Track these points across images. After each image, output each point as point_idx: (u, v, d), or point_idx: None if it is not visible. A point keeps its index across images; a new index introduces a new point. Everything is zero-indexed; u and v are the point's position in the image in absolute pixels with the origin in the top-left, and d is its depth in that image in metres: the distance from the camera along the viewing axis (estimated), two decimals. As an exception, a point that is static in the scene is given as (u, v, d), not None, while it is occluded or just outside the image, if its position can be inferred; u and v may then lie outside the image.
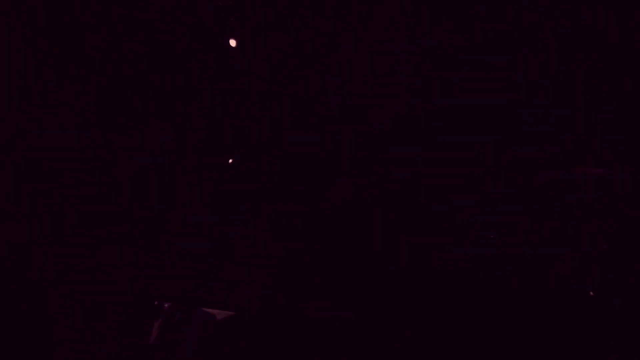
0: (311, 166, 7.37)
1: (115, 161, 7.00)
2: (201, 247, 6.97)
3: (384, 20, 7.34)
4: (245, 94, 7.40)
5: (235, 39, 7.12)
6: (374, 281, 6.66)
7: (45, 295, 6.32)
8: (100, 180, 6.93)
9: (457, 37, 7.28)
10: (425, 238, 7.02)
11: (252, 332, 6.28)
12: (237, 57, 7.19)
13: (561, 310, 6.29)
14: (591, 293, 6.34)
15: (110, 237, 6.62)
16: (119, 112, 7.19)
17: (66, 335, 6.13)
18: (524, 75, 7.00)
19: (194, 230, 7.03)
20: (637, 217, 6.49)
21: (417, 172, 7.34)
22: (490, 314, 6.42)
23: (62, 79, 7.07)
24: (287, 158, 7.44)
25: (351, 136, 7.41)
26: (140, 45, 7.12)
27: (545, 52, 6.93)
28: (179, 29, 7.10)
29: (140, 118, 7.17)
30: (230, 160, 7.35)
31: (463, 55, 7.25)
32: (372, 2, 7.28)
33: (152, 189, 6.97)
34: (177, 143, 7.25)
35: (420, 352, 6.29)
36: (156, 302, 6.20)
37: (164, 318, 6.15)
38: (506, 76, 7.20)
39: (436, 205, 7.14)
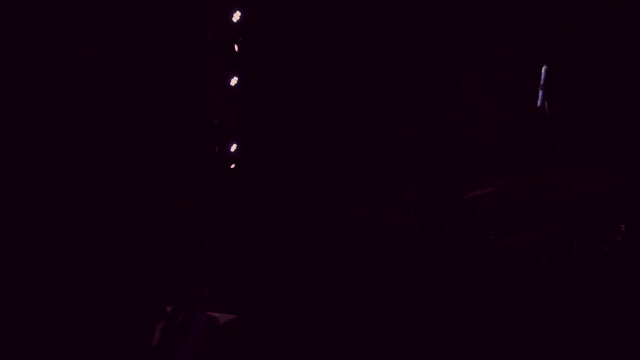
0: (311, 169, 7.37)
1: (116, 162, 6.99)
2: (203, 251, 6.97)
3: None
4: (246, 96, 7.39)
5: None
6: (374, 282, 6.67)
7: (47, 296, 6.32)
8: (102, 180, 6.92)
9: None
10: (425, 238, 7.03)
11: (254, 335, 6.29)
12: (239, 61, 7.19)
13: (561, 310, 6.29)
14: (593, 294, 6.33)
15: (113, 239, 6.61)
16: (120, 113, 7.18)
17: (68, 337, 6.13)
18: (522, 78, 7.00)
19: (196, 233, 7.02)
20: (637, 218, 6.50)
21: (416, 173, 7.34)
22: (491, 313, 6.42)
23: (61, 80, 7.06)
24: (288, 161, 7.44)
25: (350, 138, 7.42)
26: (142, 48, 7.11)
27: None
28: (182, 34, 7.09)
29: (140, 119, 7.16)
30: (233, 166, 7.36)
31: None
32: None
33: (155, 191, 6.97)
34: (178, 144, 7.24)
35: (420, 352, 6.30)
36: (159, 305, 6.20)
37: (166, 320, 6.15)
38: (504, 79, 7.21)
39: (436, 205, 7.14)
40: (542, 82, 6.53)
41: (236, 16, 7.11)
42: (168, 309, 6.19)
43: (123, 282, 6.36)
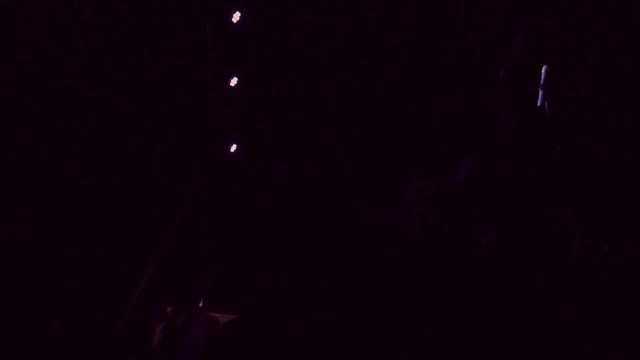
0: (312, 169, 7.37)
1: (117, 162, 7.00)
2: (204, 251, 6.97)
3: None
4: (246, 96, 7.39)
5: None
6: (375, 283, 6.68)
7: (47, 297, 6.32)
8: (103, 180, 6.93)
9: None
10: (426, 238, 7.03)
11: (254, 335, 6.30)
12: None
13: (562, 310, 6.30)
14: (594, 293, 6.34)
15: (113, 239, 6.62)
16: (120, 113, 7.19)
17: (69, 338, 6.13)
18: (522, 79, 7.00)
19: (197, 234, 7.03)
20: (637, 218, 6.50)
21: (416, 173, 7.34)
22: (490, 312, 6.43)
23: (63, 79, 7.06)
24: (288, 161, 7.44)
25: (350, 138, 7.42)
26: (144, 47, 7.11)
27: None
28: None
29: (140, 119, 7.17)
30: (232, 165, 7.36)
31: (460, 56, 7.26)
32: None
33: (156, 191, 6.97)
34: (178, 144, 7.24)
35: (420, 352, 6.31)
36: (159, 306, 6.20)
37: (166, 321, 6.16)
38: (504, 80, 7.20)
39: (436, 205, 7.14)
40: (542, 82, 6.53)
41: (236, 16, 7.11)
42: (168, 309, 6.20)
43: (124, 283, 6.37)
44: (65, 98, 7.07)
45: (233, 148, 7.43)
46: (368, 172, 7.32)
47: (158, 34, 7.12)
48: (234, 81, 7.27)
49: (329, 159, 7.42)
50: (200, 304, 6.41)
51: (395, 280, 6.70)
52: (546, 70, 6.56)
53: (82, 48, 7.06)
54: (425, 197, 7.10)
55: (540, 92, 6.55)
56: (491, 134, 7.19)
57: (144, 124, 7.19)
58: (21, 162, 6.83)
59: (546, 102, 6.47)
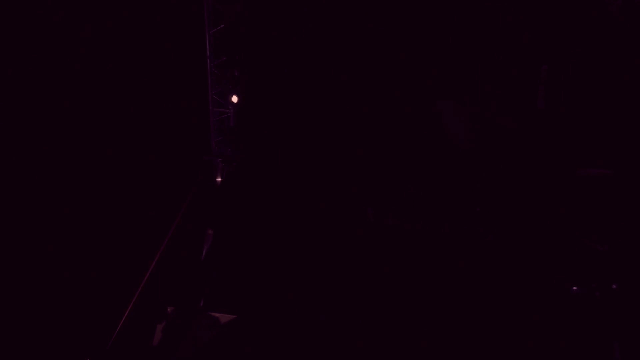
0: (310, 170, 7.36)
1: (117, 163, 7.00)
2: (204, 251, 6.96)
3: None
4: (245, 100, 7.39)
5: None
6: (376, 283, 6.67)
7: (48, 297, 6.31)
8: (103, 181, 6.92)
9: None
10: (426, 238, 7.03)
11: (254, 335, 6.29)
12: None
13: (565, 310, 6.30)
14: (597, 294, 6.34)
15: (113, 239, 6.61)
16: (121, 114, 7.19)
17: (69, 338, 6.12)
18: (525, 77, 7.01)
19: (196, 234, 7.02)
20: (637, 218, 6.50)
21: (416, 171, 7.34)
22: (491, 313, 6.42)
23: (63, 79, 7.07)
24: (287, 162, 7.43)
25: (347, 137, 7.42)
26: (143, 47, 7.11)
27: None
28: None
29: (140, 121, 7.16)
30: (233, 166, 7.36)
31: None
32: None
33: (156, 192, 6.96)
34: (178, 145, 7.24)
35: (420, 350, 6.30)
36: (160, 305, 6.20)
37: (167, 321, 6.15)
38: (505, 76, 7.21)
39: (438, 205, 7.14)
40: (542, 82, 6.54)
41: (236, 16, 7.12)
42: (169, 309, 6.20)
43: (124, 283, 6.36)
44: (65, 99, 7.07)
45: (233, 148, 7.45)
46: (374, 174, 7.31)
47: (158, 34, 7.13)
48: (233, 81, 7.28)
49: (329, 159, 7.41)
50: (201, 304, 6.41)
51: (396, 281, 6.69)
52: (546, 70, 6.57)
53: (82, 48, 7.06)
54: (425, 198, 7.10)
55: (540, 92, 6.56)
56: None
57: (144, 124, 7.18)
58: (22, 162, 6.82)
59: (543, 99, 6.49)
